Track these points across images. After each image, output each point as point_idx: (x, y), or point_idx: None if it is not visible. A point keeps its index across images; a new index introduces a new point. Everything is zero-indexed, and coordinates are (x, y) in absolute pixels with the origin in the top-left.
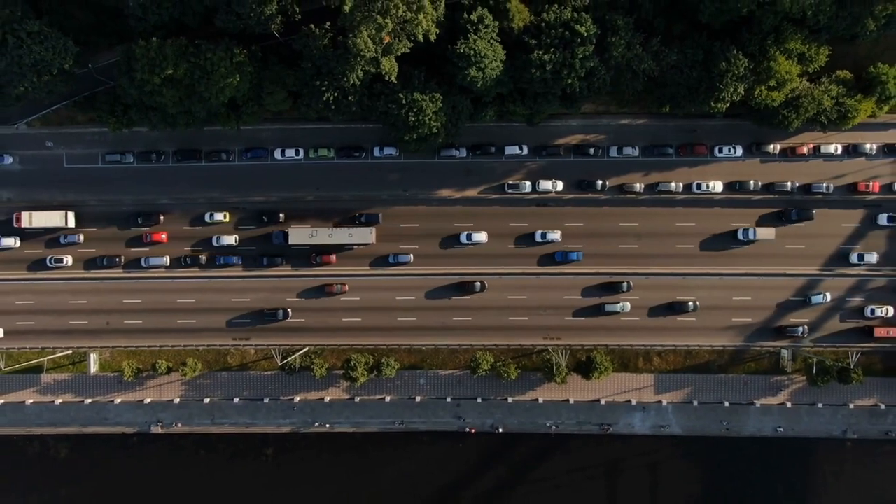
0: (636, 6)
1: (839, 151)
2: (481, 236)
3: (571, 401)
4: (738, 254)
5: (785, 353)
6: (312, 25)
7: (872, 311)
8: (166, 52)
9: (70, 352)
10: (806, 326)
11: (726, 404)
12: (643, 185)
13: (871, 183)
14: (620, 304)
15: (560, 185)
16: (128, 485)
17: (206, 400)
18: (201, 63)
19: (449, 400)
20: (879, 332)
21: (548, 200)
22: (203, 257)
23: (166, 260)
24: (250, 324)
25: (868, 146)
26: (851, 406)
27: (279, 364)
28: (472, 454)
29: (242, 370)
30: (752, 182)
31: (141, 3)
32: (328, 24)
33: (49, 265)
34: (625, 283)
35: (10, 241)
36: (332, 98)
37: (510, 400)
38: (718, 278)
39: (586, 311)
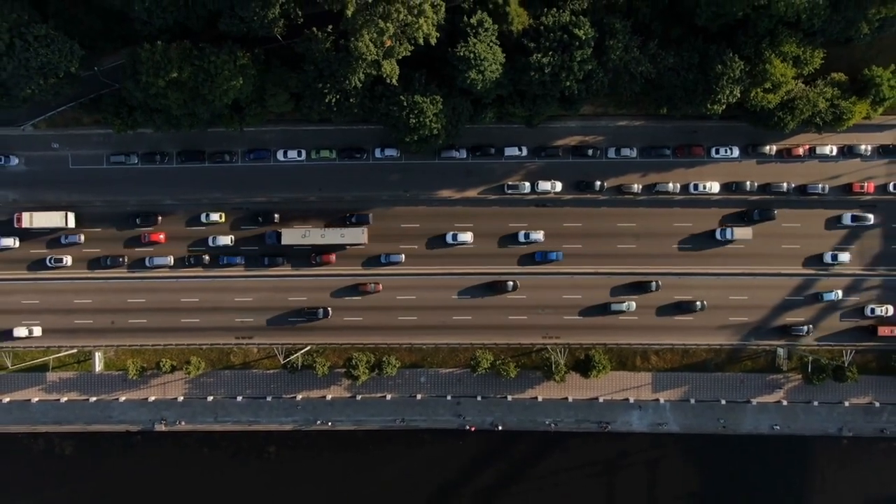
0: (634, 10)
1: (834, 153)
2: (467, 236)
3: (570, 399)
4: (730, 253)
5: (781, 351)
6: (315, 29)
7: (872, 311)
8: (171, 55)
9: (75, 350)
10: (810, 325)
11: (723, 402)
12: (641, 186)
13: (865, 184)
14: (626, 303)
15: (559, 186)
16: (131, 482)
17: (210, 398)
18: (205, 66)
19: (449, 398)
20: (883, 330)
21: (547, 201)
22: (206, 257)
23: (170, 260)
24: (291, 323)
25: (863, 147)
26: (847, 404)
27: (282, 363)
28: (472, 452)
29: (245, 369)
30: (748, 183)
31: (146, 8)
32: (330, 27)
33: (49, 265)
34: (654, 283)
35: (10, 242)
36: (334, 100)
37: (510, 398)
38: (715, 278)
39: (585, 310)
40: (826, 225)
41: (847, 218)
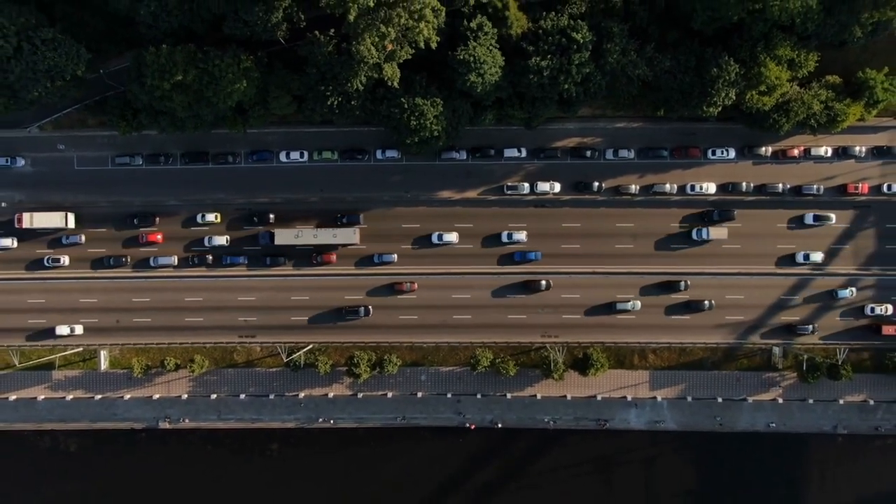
0: (631, 14)
1: (829, 154)
2: (452, 237)
3: (569, 397)
4: (724, 253)
5: (776, 350)
6: (317, 32)
7: (872, 310)
8: (176, 58)
9: (81, 349)
10: (815, 324)
11: (719, 400)
12: (638, 187)
13: (860, 185)
14: (631, 302)
15: (557, 187)
16: (136, 479)
17: (213, 396)
18: (210, 69)
19: (449, 396)
20: (888, 329)
21: (545, 202)
22: (209, 257)
23: (174, 259)
24: (327, 321)
25: (857, 149)
26: (841, 402)
27: (284, 361)
28: (472, 449)
29: (248, 367)
30: (744, 184)
31: (152, 12)
32: (332, 31)
33: (47, 265)
34: (682, 282)
35: (8, 242)
36: (336, 102)
37: (509, 396)
38: (712, 277)
39: (583, 309)
40: (788, 224)
41: (809, 217)
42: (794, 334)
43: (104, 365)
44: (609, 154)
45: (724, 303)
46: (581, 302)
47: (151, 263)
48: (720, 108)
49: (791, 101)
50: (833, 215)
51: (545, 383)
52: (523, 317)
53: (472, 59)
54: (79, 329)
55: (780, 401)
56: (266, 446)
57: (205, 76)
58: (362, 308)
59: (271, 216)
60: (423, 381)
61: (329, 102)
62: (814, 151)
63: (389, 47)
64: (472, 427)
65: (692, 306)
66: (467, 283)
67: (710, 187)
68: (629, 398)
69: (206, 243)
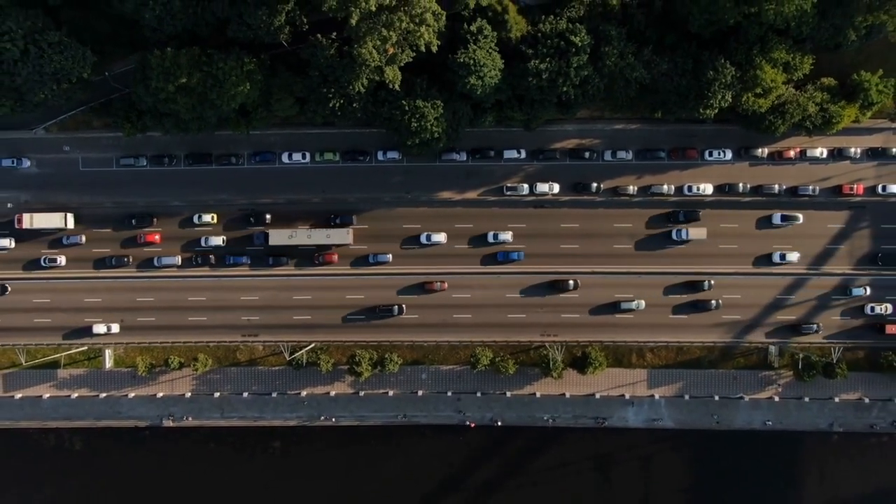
0: (629, 17)
1: (825, 155)
2: (440, 237)
3: (567, 395)
4: (722, 253)
5: (773, 348)
6: (319, 35)
7: (872, 309)
8: (180, 61)
9: (86, 348)
10: (820, 323)
11: (716, 398)
12: (636, 188)
13: (855, 185)
14: (635, 301)
15: (556, 188)
16: (139, 476)
17: (216, 394)
18: (213, 72)
19: (450, 394)
20: (891, 329)
21: (544, 202)
22: (212, 257)
23: (178, 259)
24: (365, 319)
25: (853, 150)
26: (837, 400)
27: (287, 359)
28: (472, 447)
29: (251, 366)
30: (741, 185)
31: (157, 15)
32: (334, 34)
33: (44, 265)
34: (706, 282)
35: (5, 242)
36: (338, 104)
37: (509, 394)
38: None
39: (582, 308)
40: (757, 224)
41: (777, 217)
42: (799, 333)
43: (109, 363)
44: (607, 155)
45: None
46: (580, 301)
47: (155, 263)
48: (717, 111)
49: (787, 103)
50: (800, 215)
51: (544, 382)
52: (523, 316)
53: (472, 61)
54: (115, 327)
55: (777, 399)
56: (268, 444)
57: (209, 79)
58: (396, 307)
59: (268, 217)
60: (423, 380)
61: (331, 104)
62: (809, 153)
63: (391, 51)
64: (472, 425)
65: (699, 306)
66: (467, 282)
67: (708, 188)
68: (627, 396)
69: (203, 243)
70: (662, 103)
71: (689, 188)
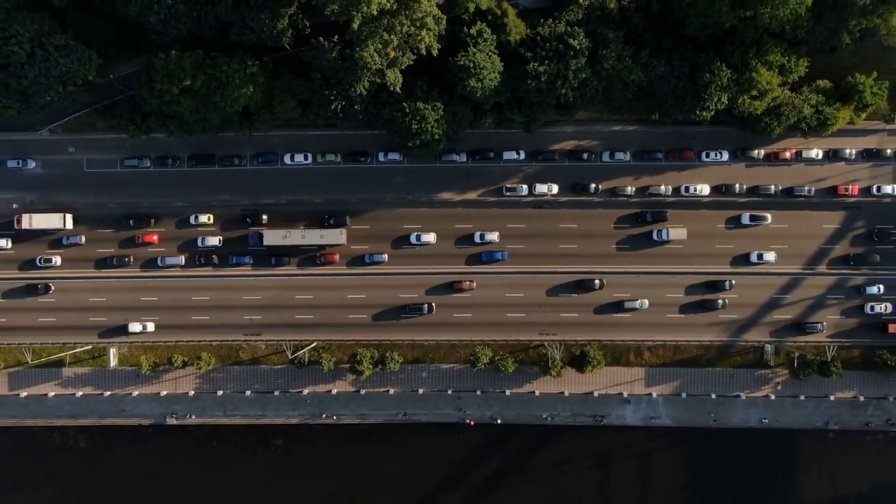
0: (626, 20)
1: (820, 156)
2: (430, 237)
3: (566, 393)
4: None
5: (769, 347)
6: (321, 38)
7: (872, 308)
8: (185, 64)
9: (90, 347)
10: (824, 323)
11: (713, 396)
12: (634, 189)
13: (850, 186)
14: (639, 301)
15: (555, 189)
16: (143, 473)
17: (219, 392)
18: (217, 74)
19: (450, 392)
20: (894, 328)
21: (543, 203)
22: (215, 257)
23: (182, 259)
24: (392, 317)
25: (848, 151)
26: (832, 398)
27: (289, 358)
28: (472, 444)
29: (254, 364)
30: (737, 185)
31: (161, 19)
32: (336, 37)
33: (39, 265)
34: (727, 282)
35: (3, 243)
36: (339, 107)
37: (508, 392)
38: (705, 276)
39: (580, 307)
40: (725, 224)
41: (746, 217)
42: (804, 332)
43: (113, 362)
44: (605, 156)
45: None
46: (579, 301)
47: (159, 263)
48: (713, 113)
49: (782, 105)
50: (769, 215)
51: (543, 380)
52: (522, 315)
53: (471, 64)
54: (150, 326)
55: (773, 397)
56: (271, 442)
57: (212, 81)
58: (425, 305)
59: (264, 217)
60: (423, 378)
61: (333, 106)
62: (805, 154)
63: (392, 54)
64: (472, 423)
65: (706, 305)
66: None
67: (705, 189)
68: (625, 395)
69: (200, 244)
70: (659, 105)
71: (687, 189)
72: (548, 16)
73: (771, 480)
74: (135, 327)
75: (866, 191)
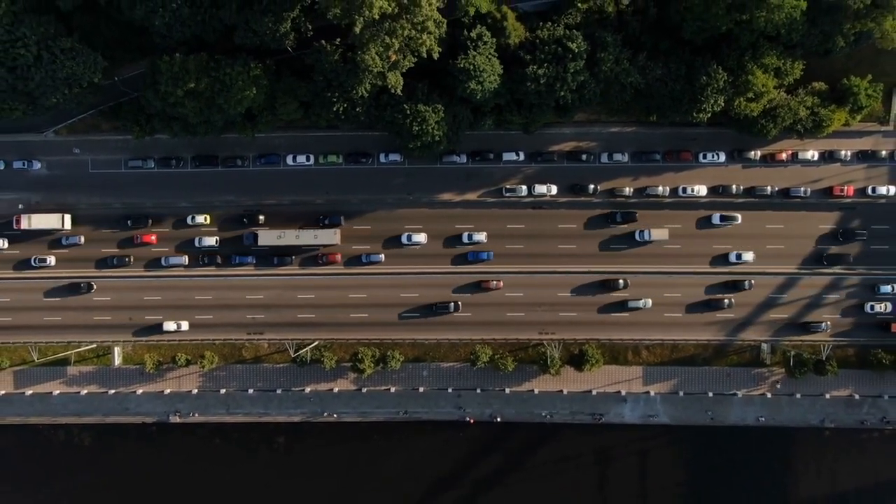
0: (624, 24)
1: (816, 157)
2: (421, 237)
3: (565, 392)
4: (716, 253)
5: (765, 346)
6: (324, 41)
7: (872, 307)
8: (189, 66)
9: (95, 345)
10: (829, 322)
11: (710, 395)
12: (632, 189)
13: (845, 187)
14: (643, 300)
15: (554, 189)
16: (146, 471)
17: (222, 391)
18: (221, 77)
19: (450, 391)
20: None
21: (543, 203)
22: (219, 257)
23: (185, 259)
24: (420, 316)
25: (843, 152)
26: (828, 397)
27: (292, 357)
28: (472, 442)
29: (256, 363)
30: (734, 186)
31: (166, 22)
32: (338, 40)
33: (34, 265)
34: (747, 282)
35: (1, 243)
36: (341, 108)
37: (507, 391)
38: (702, 276)
39: (580, 307)
40: (697, 224)
41: (716, 218)
42: (808, 331)
43: (117, 361)
44: (604, 157)
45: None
46: (577, 300)
47: (163, 263)
48: (710, 114)
49: (778, 107)
50: (739, 215)
51: (542, 378)
52: (521, 314)
53: (471, 67)
54: (185, 325)
55: (769, 395)
56: (273, 439)
57: (216, 83)
58: (452, 304)
59: (261, 218)
60: (424, 377)
61: (335, 108)
62: (801, 155)
63: (393, 57)
64: (472, 421)
65: (712, 304)
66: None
67: (702, 189)
68: (623, 393)
69: (197, 244)
70: (657, 107)
71: (684, 190)
72: (547, 19)
73: (767, 478)
74: (169, 326)
75: (861, 192)
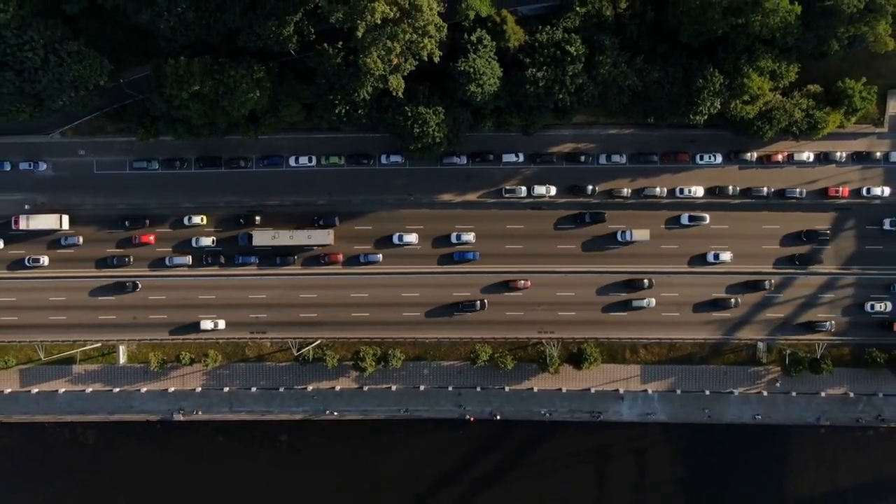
0: (622, 27)
1: (811, 159)
2: (412, 237)
3: (564, 390)
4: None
5: (761, 345)
6: (326, 45)
7: (872, 307)
8: (193, 69)
9: (100, 344)
10: (833, 321)
11: (707, 393)
12: (630, 190)
13: (840, 188)
14: (646, 300)
15: (553, 190)
16: (150, 468)
17: (226, 389)
18: (225, 80)
19: (450, 389)
20: None
21: (542, 204)
22: (222, 257)
23: (189, 259)
24: (445, 314)
25: (838, 154)
26: (823, 395)
27: (294, 355)
28: (472, 440)
29: (259, 361)
30: (730, 187)
31: (171, 26)
32: (340, 43)
33: (27, 265)
34: (767, 282)
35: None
36: (343, 111)
37: (507, 389)
38: (700, 276)
39: (578, 306)
40: (665, 224)
41: (685, 218)
42: (815, 331)
43: (122, 359)
44: (602, 159)
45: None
46: (576, 299)
47: (167, 263)
48: (706, 117)
49: (774, 109)
50: (707, 216)
51: (541, 377)
52: (521, 314)
53: (472, 70)
54: (221, 324)
55: (766, 394)
56: (275, 437)
57: (220, 86)
58: (478, 302)
59: (257, 218)
60: (425, 375)
61: (337, 111)
62: (797, 156)
63: (395, 61)
64: (472, 419)
65: (719, 304)
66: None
67: (699, 191)
68: (621, 391)
69: (194, 244)
70: (654, 110)
71: (681, 190)
72: (546, 23)
73: (764, 474)
74: (206, 325)
75: (856, 192)
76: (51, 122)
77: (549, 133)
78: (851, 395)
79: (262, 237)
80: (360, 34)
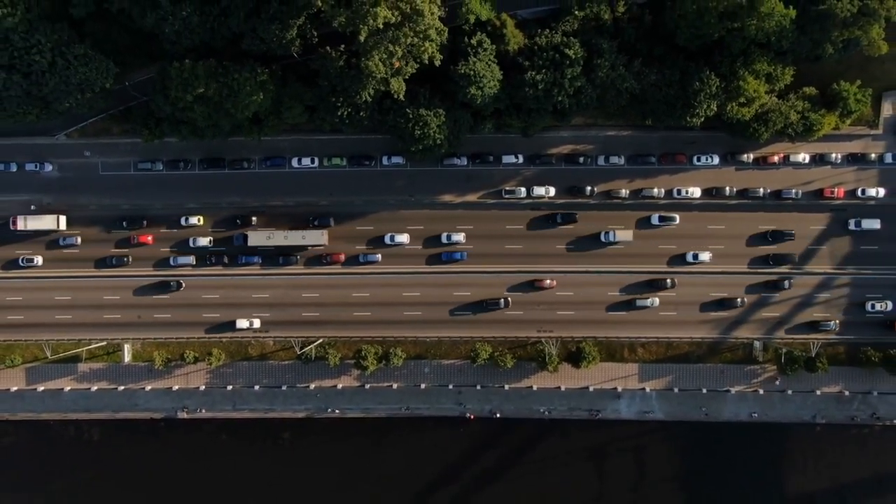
0: (620, 31)
1: (807, 160)
2: (404, 237)
3: (563, 388)
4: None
5: (757, 344)
6: (328, 48)
7: (873, 306)
8: (198, 72)
9: (105, 343)
10: (837, 321)
11: (705, 391)
12: (628, 191)
13: (836, 189)
14: (650, 300)
15: (552, 191)
16: (154, 466)
17: (229, 387)
18: (229, 82)
19: (451, 387)
20: None
21: (541, 205)
22: (226, 257)
23: (192, 259)
24: (472, 312)
25: (833, 155)
26: (819, 393)
27: (297, 354)
28: (472, 437)
29: (262, 360)
30: (727, 188)
31: (176, 30)
32: (342, 46)
33: (21, 264)
34: (786, 282)
35: None
36: (345, 113)
37: (507, 387)
38: (699, 276)
39: (578, 306)
40: (637, 225)
41: (655, 218)
42: (818, 330)
43: (127, 358)
44: (601, 160)
45: (708, 299)
46: (575, 299)
47: (171, 263)
48: (703, 119)
49: (769, 111)
50: (677, 216)
51: (541, 375)
52: (520, 313)
53: (472, 73)
54: (257, 323)
55: (762, 392)
56: (278, 435)
57: (224, 89)
58: (502, 300)
59: (253, 219)
60: (426, 374)
61: (339, 113)
62: (792, 158)
63: (397, 64)
64: (472, 417)
65: (725, 304)
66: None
67: (696, 191)
68: (619, 389)
69: (191, 244)
70: (652, 112)
71: (679, 191)
72: (545, 26)
73: (760, 472)
74: (242, 324)
75: (851, 193)
76: (57, 124)
77: (549, 135)
78: (847, 393)
79: (258, 237)
80: (362, 38)
